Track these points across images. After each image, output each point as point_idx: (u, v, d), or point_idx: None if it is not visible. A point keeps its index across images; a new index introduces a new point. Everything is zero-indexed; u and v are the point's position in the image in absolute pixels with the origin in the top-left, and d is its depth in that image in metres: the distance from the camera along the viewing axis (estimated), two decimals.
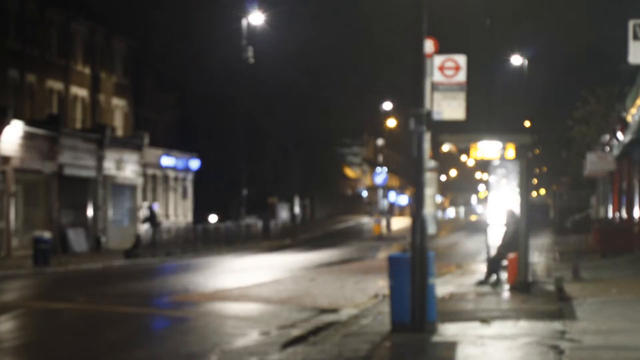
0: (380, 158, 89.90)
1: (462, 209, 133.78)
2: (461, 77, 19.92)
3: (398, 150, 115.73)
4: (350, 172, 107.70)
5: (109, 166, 51.29)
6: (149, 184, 57.66)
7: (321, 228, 76.97)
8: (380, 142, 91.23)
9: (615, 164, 41.29)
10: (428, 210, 16.82)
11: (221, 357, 14.87)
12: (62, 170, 44.54)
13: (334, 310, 20.56)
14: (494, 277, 24.22)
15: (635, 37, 20.64)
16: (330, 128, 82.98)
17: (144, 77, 61.18)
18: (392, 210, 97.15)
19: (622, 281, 24.32)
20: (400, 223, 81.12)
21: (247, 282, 28.24)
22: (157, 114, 63.17)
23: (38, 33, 47.85)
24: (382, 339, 15.48)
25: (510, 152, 22.29)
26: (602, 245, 34.60)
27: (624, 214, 40.59)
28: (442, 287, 22.61)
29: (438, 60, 19.99)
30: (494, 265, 24.35)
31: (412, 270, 15.76)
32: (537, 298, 21.14)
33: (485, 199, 28.66)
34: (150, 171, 57.54)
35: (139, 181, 55.63)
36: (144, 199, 56.01)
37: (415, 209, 16.27)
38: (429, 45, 18.96)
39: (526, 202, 22.84)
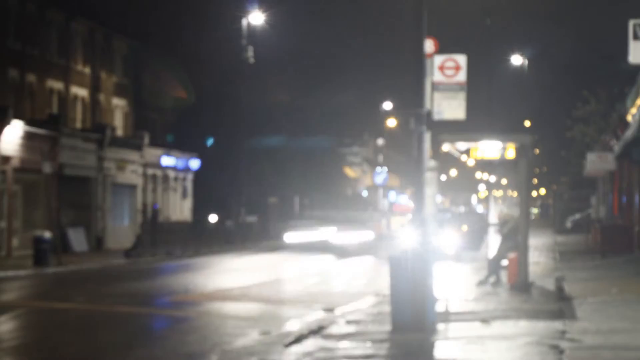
0: (380, 158, 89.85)
1: (462, 209, 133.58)
2: (461, 76, 19.93)
3: (398, 150, 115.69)
4: (350, 172, 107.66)
5: (109, 166, 51.26)
6: (149, 184, 57.64)
7: None
8: (380, 142, 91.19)
9: (615, 164, 41.26)
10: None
11: (221, 357, 14.87)
12: (62, 170, 44.49)
13: (334, 310, 20.56)
14: (494, 277, 24.23)
15: (635, 37, 20.64)
16: (331, 128, 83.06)
17: (144, 77, 61.17)
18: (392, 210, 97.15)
19: (622, 281, 24.32)
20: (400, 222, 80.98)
21: (247, 282, 28.24)
22: (157, 114, 63.18)
23: (38, 33, 47.82)
24: (382, 339, 15.48)
25: (511, 152, 22.30)
26: (602, 245, 34.59)
27: (624, 214, 40.58)
28: (442, 287, 22.60)
29: (438, 60, 20.00)
30: (494, 265, 24.35)
31: (412, 269, 15.76)
32: (537, 298, 21.15)
33: (486, 198, 28.72)
34: (150, 171, 57.53)
35: (139, 181, 55.63)
36: (144, 199, 56.03)
37: (416, 208, 16.28)
38: (429, 45, 18.97)
39: (526, 201, 22.85)
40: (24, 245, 41.16)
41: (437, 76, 19.83)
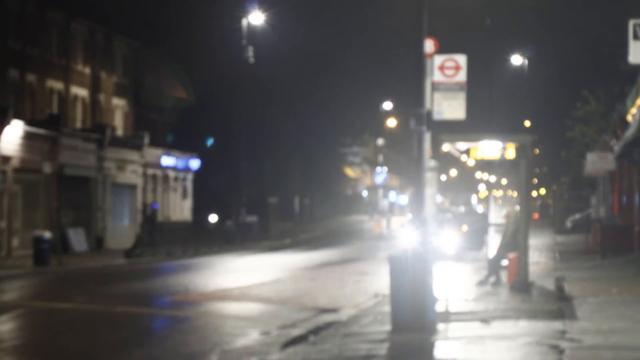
0: (380, 158, 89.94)
1: (462, 209, 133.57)
2: (461, 76, 19.94)
3: (398, 150, 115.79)
4: (350, 172, 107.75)
5: (109, 166, 51.26)
6: (149, 184, 57.66)
7: (321, 228, 76.94)
8: (380, 142, 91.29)
9: (615, 164, 41.24)
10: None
11: (221, 357, 14.87)
12: (62, 170, 44.50)
13: (334, 310, 20.57)
14: (494, 277, 24.22)
15: (635, 37, 20.65)
16: (330, 128, 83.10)
17: (144, 77, 61.19)
18: (392, 209, 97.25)
19: (622, 281, 24.32)
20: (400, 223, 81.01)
21: (247, 282, 28.24)
22: (157, 114, 63.20)
23: (38, 33, 47.83)
24: (382, 339, 15.48)
25: (511, 152, 22.30)
26: (602, 245, 34.57)
27: (624, 214, 40.58)
28: (442, 287, 22.59)
29: (438, 60, 20.00)
30: (494, 265, 24.35)
31: (412, 269, 15.76)
32: (537, 298, 21.14)
33: (486, 198, 28.73)
34: (150, 171, 57.54)
35: (139, 181, 55.63)
36: (144, 199, 56.03)
37: (416, 208, 16.28)
38: (429, 45, 18.97)
39: (526, 201, 22.84)
40: (24, 245, 41.17)
41: (437, 76, 19.83)
